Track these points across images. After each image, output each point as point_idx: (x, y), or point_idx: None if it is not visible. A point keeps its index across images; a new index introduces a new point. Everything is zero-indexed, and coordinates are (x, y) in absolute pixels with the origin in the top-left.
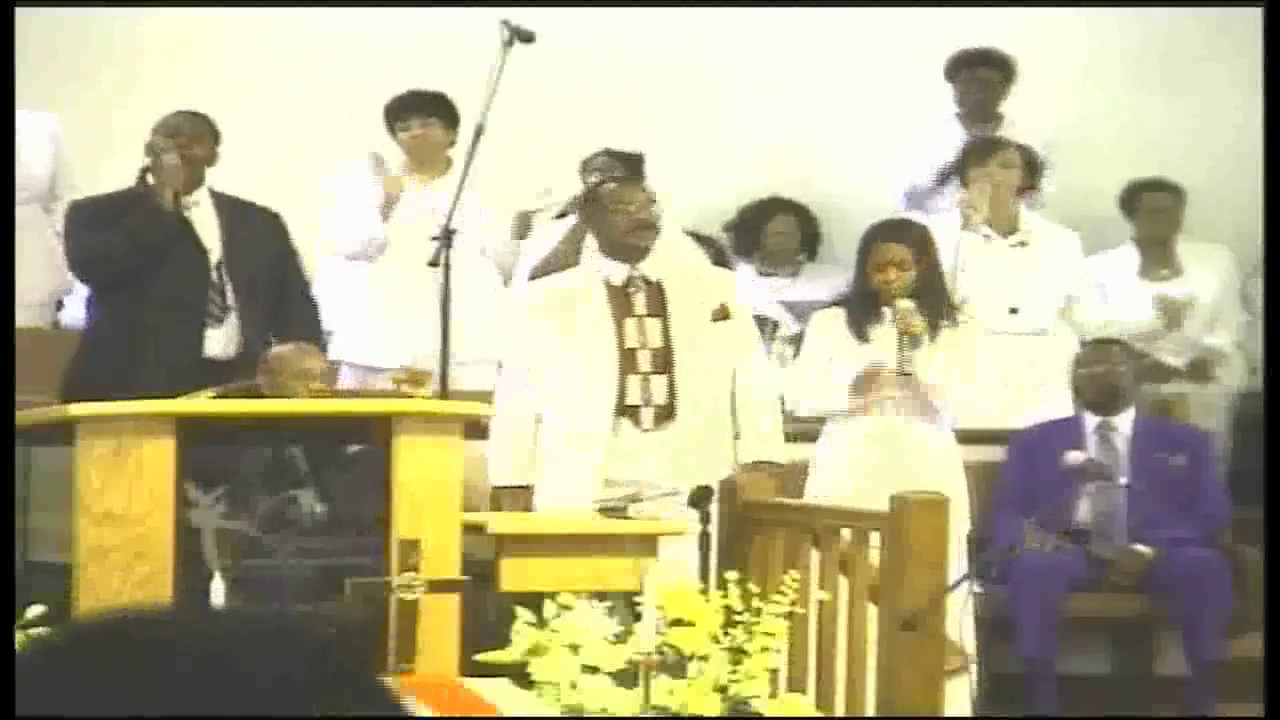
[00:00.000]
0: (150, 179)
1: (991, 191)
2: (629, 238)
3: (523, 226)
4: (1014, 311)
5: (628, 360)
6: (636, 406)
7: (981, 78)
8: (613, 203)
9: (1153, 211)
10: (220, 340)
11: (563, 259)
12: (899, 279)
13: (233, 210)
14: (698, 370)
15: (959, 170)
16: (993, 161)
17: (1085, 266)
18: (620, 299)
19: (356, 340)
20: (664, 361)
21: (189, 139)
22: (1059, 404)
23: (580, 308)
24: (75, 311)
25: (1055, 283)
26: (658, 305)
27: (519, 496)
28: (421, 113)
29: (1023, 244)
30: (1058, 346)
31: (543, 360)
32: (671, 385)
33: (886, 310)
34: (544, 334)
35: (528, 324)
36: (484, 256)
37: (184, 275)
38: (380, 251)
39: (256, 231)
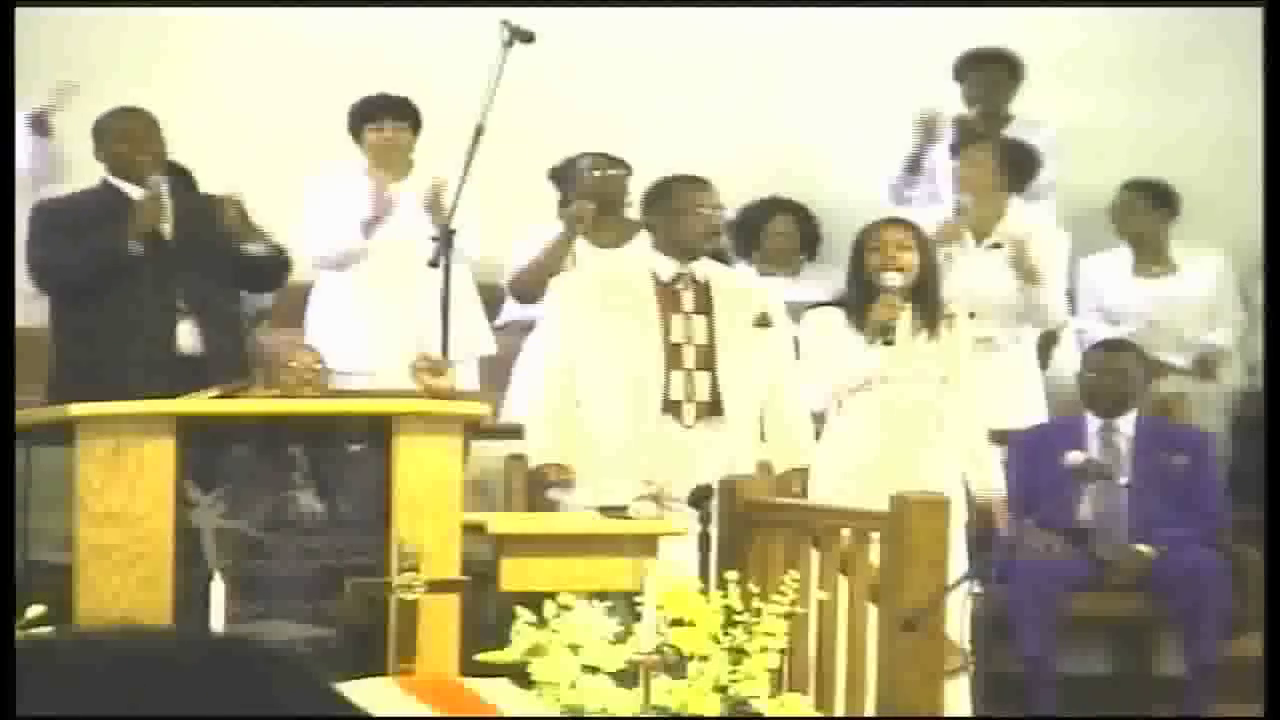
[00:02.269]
0: (113, 179)
1: (971, 190)
2: (704, 241)
3: (438, 210)
4: (971, 316)
5: (673, 355)
6: (679, 402)
7: (991, 78)
8: (687, 205)
9: (1128, 208)
10: (188, 336)
11: (546, 269)
12: (899, 258)
13: (189, 201)
14: (739, 371)
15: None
16: (983, 154)
17: (1063, 257)
18: (668, 295)
19: (337, 346)
20: (708, 359)
21: (147, 142)
22: (1035, 407)
23: (627, 299)
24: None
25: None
26: (704, 304)
27: (559, 470)
28: (394, 115)
29: (997, 245)
30: (1018, 354)
31: (584, 346)
32: (715, 382)
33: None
34: (587, 320)
35: (571, 308)
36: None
37: (151, 271)
38: (355, 262)
39: (213, 221)
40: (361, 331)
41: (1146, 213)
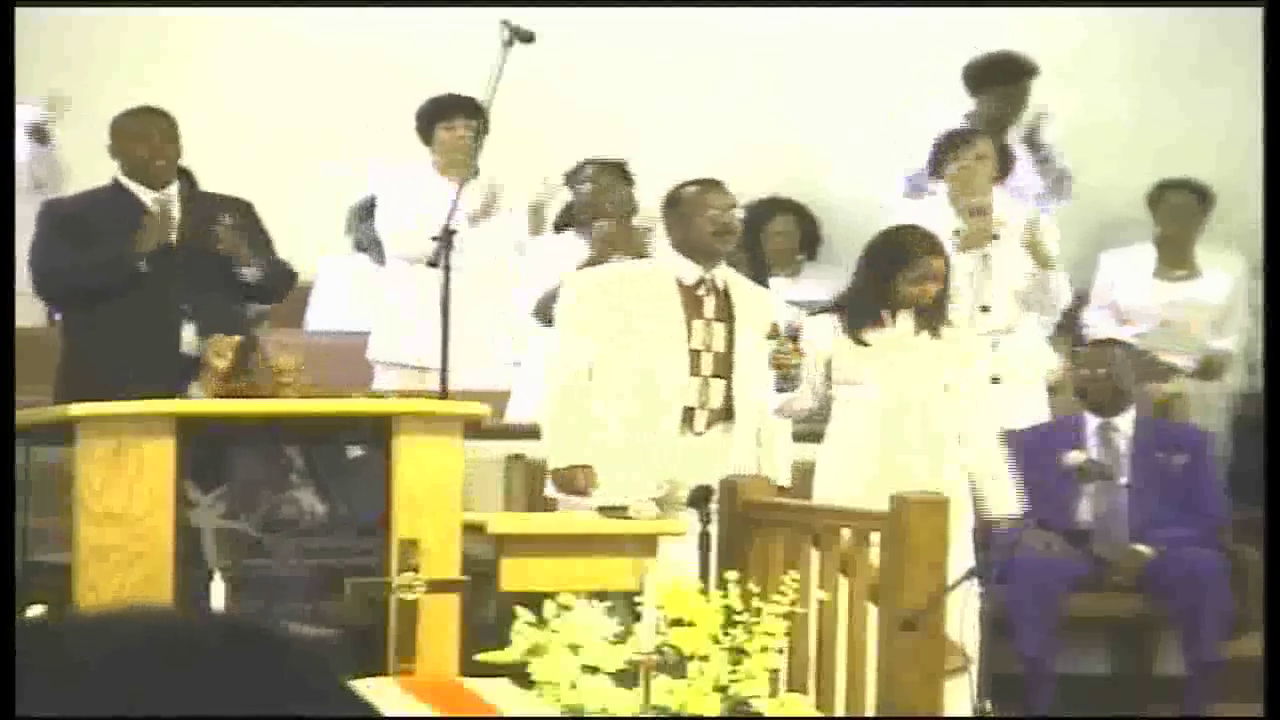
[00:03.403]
0: (124, 179)
1: (969, 184)
2: (715, 241)
3: (537, 221)
4: (985, 309)
5: (692, 362)
6: (692, 409)
7: (1014, 95)
8: (698, 206)
9: (1172, 209)
10: (191, 338)
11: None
12: (934, 290)
13: (200, 204)
14: (751, 380)
15: (933, 165)
16: (969, 154)
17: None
18: (691, 299)
19: (402, 340)
20: (725, 366)
21: (165, 146)
22: (1036, 401)
23: (650, 300)
24: None
25: (1023, 268)
26: (725, 311)
27: (587, 474)
28: (465, 114)
29: (994, 237)
30: (1026, 342)
31: (601, 345)
32: (729, 390)
33: (885, 314)
34: (604, 318)
35: (587, 306)
36: (522, 256)
37: (157, 273)
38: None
39: (222, 224)
40: (428, 326)
41: (1189, 214)
